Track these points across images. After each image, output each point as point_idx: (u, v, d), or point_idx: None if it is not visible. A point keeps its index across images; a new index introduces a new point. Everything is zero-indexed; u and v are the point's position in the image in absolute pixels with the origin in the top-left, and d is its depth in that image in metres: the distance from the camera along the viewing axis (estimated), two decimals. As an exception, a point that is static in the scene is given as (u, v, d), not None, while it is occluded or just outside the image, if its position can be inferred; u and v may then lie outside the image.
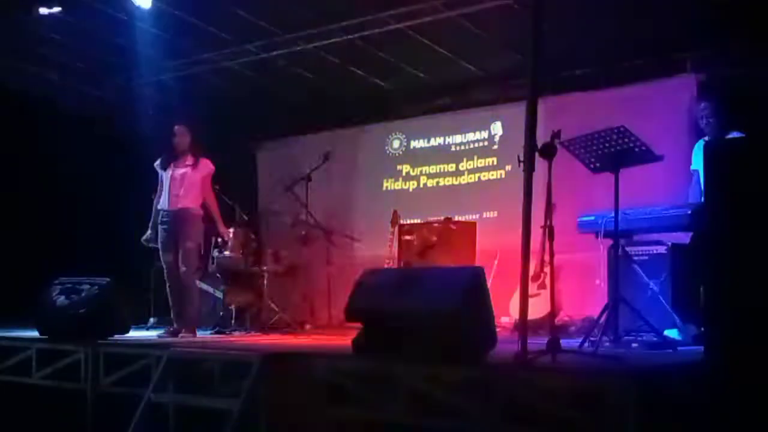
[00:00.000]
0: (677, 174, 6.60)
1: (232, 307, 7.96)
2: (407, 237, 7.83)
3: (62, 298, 5.83)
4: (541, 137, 4.06)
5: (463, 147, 9.16)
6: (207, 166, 6.70)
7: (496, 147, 8.89)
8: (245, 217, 8.87)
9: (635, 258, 5.81)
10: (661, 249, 5.83)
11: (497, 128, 8.89)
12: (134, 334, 6.18)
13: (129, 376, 4.97)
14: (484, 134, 9.02)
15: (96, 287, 5.81)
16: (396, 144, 9.64)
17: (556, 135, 4.22)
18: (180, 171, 6.54)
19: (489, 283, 4.12)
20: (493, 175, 8.90)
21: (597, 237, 5.84)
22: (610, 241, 5.58)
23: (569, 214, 6.12)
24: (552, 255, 4.31)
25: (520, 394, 3.51)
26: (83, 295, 5.79)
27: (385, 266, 7.66)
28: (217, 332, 7.26)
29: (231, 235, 8.16)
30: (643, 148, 4.86)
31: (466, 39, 7.87)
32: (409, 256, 7.75)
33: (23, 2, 7.37)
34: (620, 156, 4.90)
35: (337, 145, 8.84)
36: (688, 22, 6.96)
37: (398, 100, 9.67)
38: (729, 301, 3.50)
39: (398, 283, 4.29)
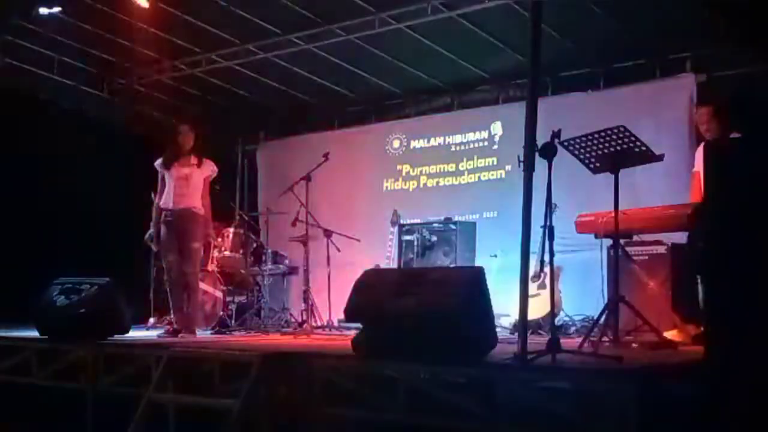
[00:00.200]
0: (677, 174, 6.60)
1: (232, 307, 7.96)
2: (407, 237, 7.84)
3: (62, 298, 5.82)
4: (541, 137, 4.06)
5: (463, 147, 9.16)
6: (211, 167, 6.70)
7: (496, 147, 8.89)
8: (245, 217, 8.88)
9: (635, 258, 5.81)
10: (661, 249, 5.83)
11: (497, 128, 8.90)
12: (134, 334, 6.17)
13: (129, 376, 4.96)
14: (484, 134, 9.02)
15: (96, 287, 5.80)
16: (396, 144, 9.65)
17: (556, 135, 4.21)
18: (185, 170, 6.53)
19: (489, 283, 4.11)
20: (493, 175, 8.90)
21: (597, 237, 5.84)
22: (609, 241, 5.58)
23: (569, 214, 6.12)
24: (552, 255, 4.30)
25: (520, 394, 3.51)
26: (83, 295, 5.78)
27: (385, 266, 7.67)
28: (217, 332, 7.26)
29: (231, 235, 8.18)
30: (643, 148, 4.86)
31: (466, 39, 7.88)
32: (409, 256, 7.76)
33: (23, 2, 7.37)
34: (620, 156, 4.89)
35: (337, 145, 8.83)
36: (688, 22, 6.97)
37: (398, 100, 9.68)
38: (729, 301, 3.50)
39: (398, 283, 4.29)
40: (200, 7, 7.60)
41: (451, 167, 9.20)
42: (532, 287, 6.29)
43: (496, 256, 7.77)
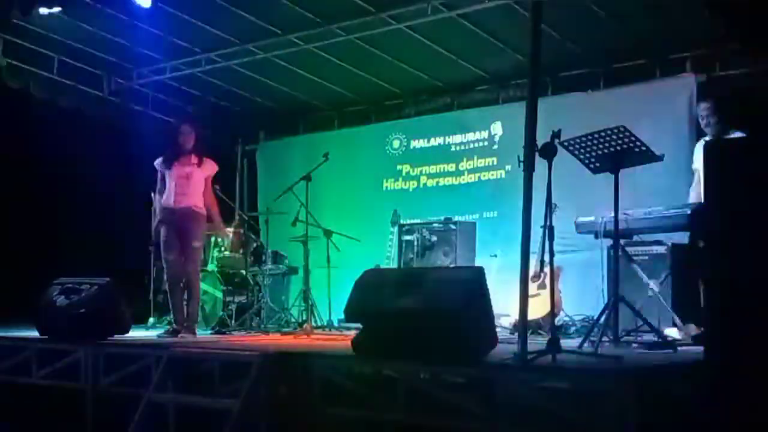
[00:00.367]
0: (677, 174, 6.60)
1: (232, 307, 7.96)
2: (407, 237, 7.84)
3: (62, 298, 5.82)
4: (541, 137, 4.06)
5: (463, 147, 9.16)
6: (211, 166, 6.70)
7: (496, 147, 8.89)
8: (245, 217, 8.88)
9: (635, 258, 5.81)
10: (661, 249, 5.83)
11: (497, 128, 8.90)
12: (134, 334, 6.17)
13: (129, 376, 4.96)
14: (484, 134, 9.02)
15: (96, 287, 5.79)
16: (396, 144, 9.65)
17: (556, 135, 4.22)
18: (186, 170, 6.53)
19: (489, 283, 4.11)
20: (493, 175, 8.90)
21: (597, 237, 5.84)
22: (609, 241, 5.58)
23: (569, 214, 6.12)
24: (552, 255, 4.31)
25: (520, 394, 3.51)
26: (83, 295, 5.77)
27: (385, 266, 7.67)
28: (217, 332, 7.25)
29: (231, 235, 8.18)
30: (643, 148, 4.86)
31: (466, 39, 7.88)
32: (409, 256, 7.76)
33: (23, 2, 7.37)
34: (620, 156, 4.90)
35: (337, 145, 8.84)
36: (688, 22, 6.97)
37: (398, 100, 9.68)
38: (729, 301, 3.50)
39: (398, 283, 4.29)
40: (200, 7, 7.60)
41: (451, 167, 9.20)
42: (532, 287, 6.29)
43: (496, 256, 7.77)
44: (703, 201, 5.35)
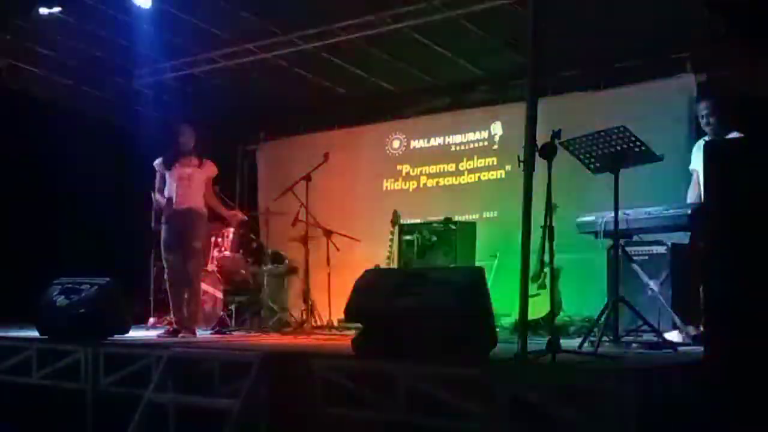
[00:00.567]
0: (677, 174, 6.59)
1: (232, 307, 7.96)
2: (407, 237, 7.83)
3: (62, 298, 5.82)
4: (541, 137, 4.06)
5: (463, 147, 9.16)
6: (211, 168, 6.71)
7: (496, 147, 8.89)
8: (245, 217, 8.88)
9: (635, 258, 5.80)
10: (661, 249, 5.82)
11: (497, 128, 8.89)
12: (134, 334, 6.17)
13: (129, 376, 4.97)
14: (484, 134, 9.02)
15: (96, 287, 5.80)
16: (396, 144, 9.65)
17: (556, 135, 4.22)
18: (187, 171, 6.53)
19: (489, 283, 4.11)
20: (493, 175, 8.90)
21: (597, 237, 5.84)
22: (609, 241, 5.57)
23: (569, 214, 6.12)
24: (552, 255, 4.31)
25: (520, 394, 3.51)
26: (83, 295, 5.78)
27: (385, 266, 7.66)
28: (217, 332, 7.26)
29: (231, 235, 8.18)
30: (643, 148, 4.86)
31: (466, 39, 7.88)
32: (409, 256, 7.75)
33: (23, 2, 7.37)
34: (620, 156, 4.90)
35: (337, 145, 8.84)
36: (688, 22, 6.97)
37: (398, 100, 9.68)
38: (729, 301, 3.50)
39: (398, 283, 4.29)
40: (200, 7, 7.60)
41: (451, 167, 9.20)
42: (532, 287, 6.28)
43: (496, 256, 7.76)
44: (702, 201, 5.35)
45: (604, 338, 4.87)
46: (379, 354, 4.14)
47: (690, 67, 7.62)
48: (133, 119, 9.48)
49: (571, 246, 6.12)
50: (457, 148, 9.20)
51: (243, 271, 8.16)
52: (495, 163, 8.88)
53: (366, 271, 4.62)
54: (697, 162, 5.71)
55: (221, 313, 7.76)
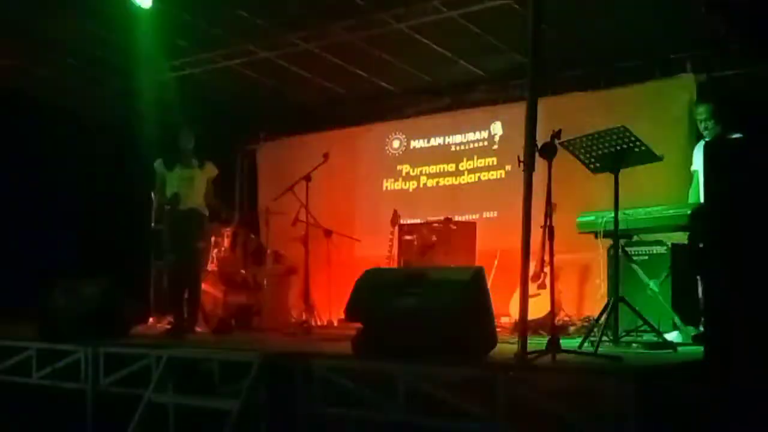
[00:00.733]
0: (677, 174, 6.60)
1: (232, 307, 7.95)
2: (407, 237, 7.83)
3: (62, 298, 5.83)
4: (541, 137, 4.06)
5: (463, 147, 9.16)
6: (212, 168, 6.72)
7: (496, 147, 8.89)
8: (245, 217, 8.89)
9: (635, 258, 5.81)
10: (661, 249, 5.83)
11: (497, 128, 8.89)
12: (134, 334, 6.17)
13: (129, 376, 4.97)
14: (484, 134, 9.02)
15: (96, 287, 5.80)
16: (396, 144, 9.65)
17: (556, 135, 4.22)
18: (187, 171, 6.54)
19: (489, 283, 4.11)
20: (493, 175, 8.90)
21: (597, 237, 5.84)
22: (609, 241, 5.57)
23: (569, 214, 6.12)
24: (552, 255, 4.31)
25: (520, 394, 3.51)
26: (83, 295, 5.78)
27: (385, 266, 7.66)
28: (217, 332, 7.25)
29: (231, 235, 8.17)
30: (643, 148, 4.86)
31: (466, 39, 7.88)
32: (409, 256, 7.75)
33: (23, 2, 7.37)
34: (620, 156, 4.90)
35: (337, 145, 8.84)
36: (688, 22, 6.97)
37: (398, 100, 9.67)
38: (729, 301, 3.50)
39: (398, 283, 4.29)
40: (200, 7, 7.60)
41: (451, 167, 9.20)
42: (532, 287, 6.29)
43: (496, 256, 7.77)
44: (702, 201, 5.35)
45: (604, 338, 4.87)
46: (379, 354, 4.14)
47: (690, 67, 7.62)
48: (133, 119, 9.47)
49: (571, 246, 6.12)
50: (457, 148, 9.20)
51: (243, 271, 8.16)
52: (495, 163, 8.88)
53: (366, 271, 4.62)
54: (698, 163, 5.71)
55: (221, 313, 7.75)
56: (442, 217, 7.99)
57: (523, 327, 3.91)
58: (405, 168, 9.55)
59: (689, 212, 5.41)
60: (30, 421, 5.51)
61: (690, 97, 7.41)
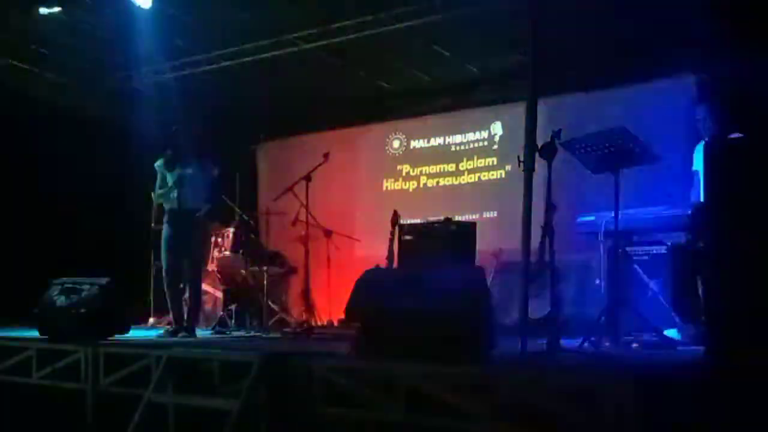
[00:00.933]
0: (677, 174, 6.59)
1: (232, 307, 7.96)
2: (407, 237, 7.83)
3: (62, 298, 5.82)
4: (541, 137, 4.07)
5: (463, 147, 9.17)
6: (212, 168, 6.71)
7: (496, 147, 8.90)
8: (245, 217, 8.88)
9: (635, 258, 5.81)
10: (661, 249, 5.83)
11: (497, 128, 8.90)
12: (134, 334, 6.17)
13: (129, 376, 4.96)
14: (484, 134, 9.02)
15: (96, 287, 5.80)
16: (396, 144, 9.65)
17: (556, 135, 4.22)
18: (187, 171, 6.54)
19: (489, 283, 4.11)
20: (493, 175, 8.91)
21: (597, 237, 5.84)
22: (609, 241, 5.58)
23: (569, 214, 6.12)
24: (552, 255, 4.31)
25: (520, 394, 3.51)
26: (83, 295, 5.78)
27: (385, 266, 7.66)
28: (217, 332, 7.26)
29: (231, 235, 8.17)
30: (643, 148, 4.86)
31: (466, 39, 7.87)
32: (409, 256, 7.75)
33: (23, 2, 7.37)
34: (620, 156, 4.90)
35: (337, 145, 8.84)
36: (688, 22, 6.96)
37: (398, 100, 9.68)
38: (729, 301, 3.50)
39: (399, 283, 4.29)
40: (200, 7, 7.60)
41: (451, 167, 9.21)
42: (532, 287, 6.28)
43: (496, 256, 7.76)
44: (702, 201, 5.35)
45: (604, 338, 4.87)
46: (379, 354, 4.14)
47: (689, 68, 7.62)
48: (133, 119, 9.47)
49: (570, 246, 6.12)
50: (457, 148, 9.21)
51: (243, 271, 8.16)
52: (495, 163, 8.88)
53: (366, 271, 4.62)
54: (699, 163, 5.71)
55: (221, 313, 7.76)
56: (442, 217, 7.98)
57: (523, 327, 3.91)
58: (405, 168, 9.55)
59: (689, 212, 5.41)
60: (30, 421, 5.51)
61: (690, 97, 7.41)
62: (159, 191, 6.67)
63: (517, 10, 6.97)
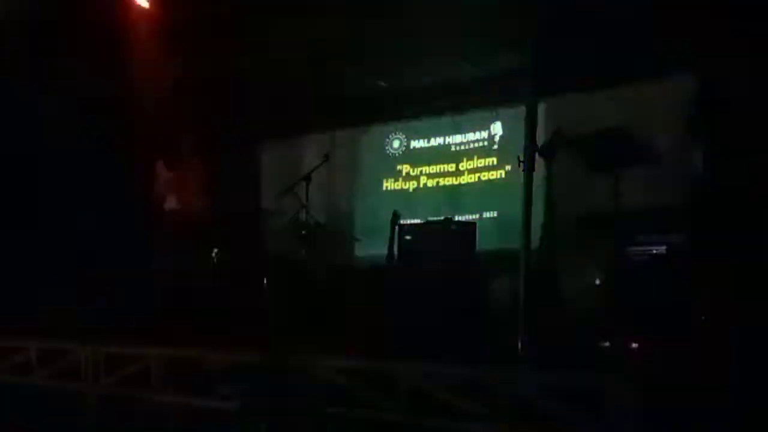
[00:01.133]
0: (677, 174, 6.60)
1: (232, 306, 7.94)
2: (407, 237, 7.83)
3: (62, 297, 5.83)
4: (541, 137, 4.07)
5: (463, 147, 9.16)
6: (212, 168, 6.72)
7: (496, 147, 8.89)
8: (245, 217, 8.88)
9: (635, 258, 5.80)
10: (661, 249, 5.82)
11: (497, 128, 8.89)
12: (134, 334, 6.16)
13: (129, 376, 4.97)
14: (484, 134, 9.02)
15: (96, 287, 5.80)
16: (396, 144, 9.65)
17: (556, 135, 4.23)
18: (187, 171, 6.55)
19: (488, 283, 4.12)
20: (493, 175, 8.90)
21: (597, 237, 5.84)
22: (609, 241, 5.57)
23: (569, 214, 6.12)
24: (553, 255, 4.31)
25: (520, 394, 3.52)
26: (84, 294, 5.78)
27: (385, 266, 7.66)
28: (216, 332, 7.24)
29: (230, 235, 8.17)
30: (643, 148, 4.86)
31: (466, 39, 7.87)
32: (407, 256, 7.75)
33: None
34: (620, 156, 4.90)
35: (337, 145, 8.85)
36: (688, 22, 6.96)
37: (398, 100, 9.67)
38: (726, 300, 3.51)
39: (398, 282, 4.30)
40: (200, 7, 7.59)
41: (451, 167, 9.20)
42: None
43: (495, 256, 7.76)
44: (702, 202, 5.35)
45: (604, 338, 4.87)
46: (379, 354, 4.15)
47: (690, 68, 7.62)
48: (133, 119, 9.46)
49: (570, 246, 6.12)
50: (457, 148, 9.20)
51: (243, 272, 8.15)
52: (495, 163, 8.88)
53: (366, 271, 4.62)
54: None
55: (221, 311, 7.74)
56: (442, 217, 7.99)
57: (523, 326, 3.92)
58: (405, 168, 9.55)
59: (689, 212, 5.41)
60: (30, 421, 5.51)
61: (688, 97, 7.41)
62: (159, 192, 6.67)
63: (516, 10, 6.99)
